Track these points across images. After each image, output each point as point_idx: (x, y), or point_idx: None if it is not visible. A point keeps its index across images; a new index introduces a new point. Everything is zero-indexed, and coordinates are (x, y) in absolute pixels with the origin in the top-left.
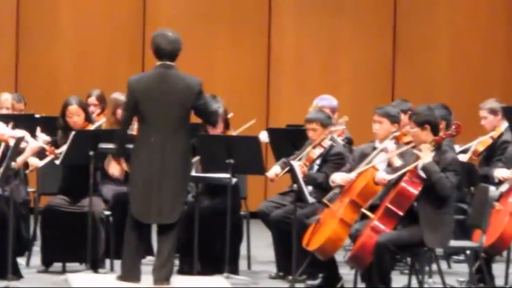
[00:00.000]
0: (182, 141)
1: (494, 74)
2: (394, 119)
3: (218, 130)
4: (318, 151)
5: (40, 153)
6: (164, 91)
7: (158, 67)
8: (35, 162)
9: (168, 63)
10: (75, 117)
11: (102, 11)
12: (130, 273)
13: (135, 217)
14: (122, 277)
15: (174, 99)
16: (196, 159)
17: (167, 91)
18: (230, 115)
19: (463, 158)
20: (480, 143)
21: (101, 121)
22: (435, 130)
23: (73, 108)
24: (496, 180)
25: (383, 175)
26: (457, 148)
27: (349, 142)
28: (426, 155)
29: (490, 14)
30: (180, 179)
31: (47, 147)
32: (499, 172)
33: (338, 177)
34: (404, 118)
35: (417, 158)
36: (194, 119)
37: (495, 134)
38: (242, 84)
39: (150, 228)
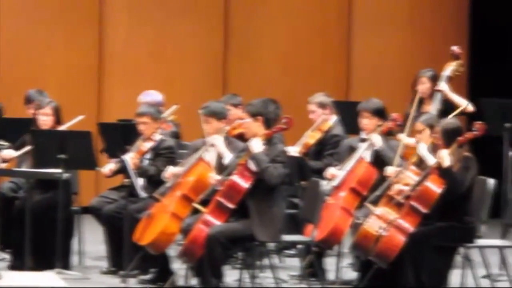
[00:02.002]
0: None
1: (326, 69)
2: (220, 116)
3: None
4: (148, 144)
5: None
6: None
7: None
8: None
9: None
10: None
11: None
12: None
13: None
14: None
15: None
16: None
17: None
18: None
19: (294, 151)
20: (310, 136)
21: None
22: (267, 123)
23: None
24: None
25: (216, 177)
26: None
27: (175, 136)
28: (257, 147)
29: (323, 10)
30: None
31: None
32: (330, 171)
33: (170, 172)
34: (235, 111)
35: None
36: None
37: (323, 126)
38: (73, 80)
39: None
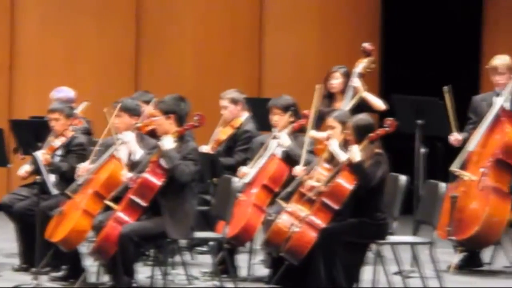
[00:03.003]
0: None
1: (237, 67)
2: (133, 112)
3: None
4: (60, 140)
5: None
6: None
7: None
8: None
9: None
10: None
11: None
12: None
13: None
14: None
15: None
16: None
17: None
18: None
19: (206, 149)
20: (222, 132)
21: None
22: (179, 121)
23: None
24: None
25: (129, 175)
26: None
27: (87, 132)
28: (168, 144)
29: (234, 8)
30: None
31: None
32: (242, 170)
33: (82, 168)
34: (147, 109)
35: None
36: None
37: (236, 123)
38: None
39: None
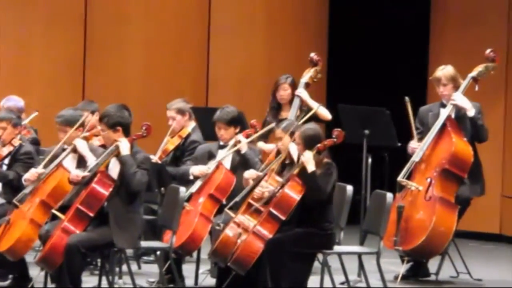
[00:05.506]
0: None
1: (184, 76)
2: (75, 124)
3: None
4: (7, 149)
5: None
6: None
7: None
8: None
9: None
10: None
11: None
12: None
13: None
14: None
15: None
16: None
17: None
18: None
19: (153, 158)
20: (170, 142)
21: None
22: (126, 131)
23: None
24: (191, 177)
25: (76, 172)
26: None
27: (34, 142)
28: (126, 149)
29: (182, 16)
30: None
31: None
32: (195, 169)
33: (30, 175)
34: (91, 118)
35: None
36: None
37: (183, 133)
38: None
39: None
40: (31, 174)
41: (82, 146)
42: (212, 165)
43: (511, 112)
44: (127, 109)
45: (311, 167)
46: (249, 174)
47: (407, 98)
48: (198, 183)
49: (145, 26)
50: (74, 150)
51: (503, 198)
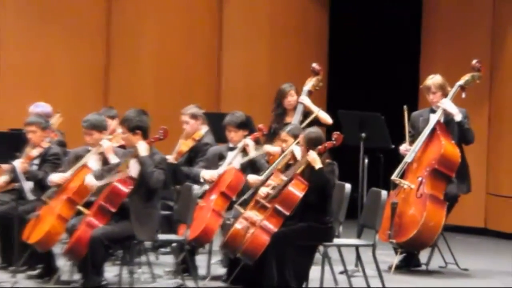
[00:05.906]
0: None
1: (196, 83)
2: (101, 128)
3: None
4: (37, 151)
5: None
6: None
7: None
8: None
9: None
10: None
11: None
12: None
13: None
14: None
15: None
16: None
17: None
18: None
19: (169, 159)
20: (184, 144)
21: None
22: (145, 135)
23: None
24: (202, 180)
25: (90, 180)
26: None
27: (61, 144)
28: (144, 150)
29: (195, 25)
30: None
31: None
32: (206, 173)
33: (55, 177)
34: (111, 123)
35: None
36: None
37: (197, 136)
38: None
39: None
40: (58, 178)
41: (107, 147)
42: (222, 167)
43: (495, 117)
44: (146, 113)
45: (318, 164)
46: (252, 179)
47: (405, 107)
48: (207, 186)
49: (160, 34)
50: (100, 152)
51: (487, 195)
